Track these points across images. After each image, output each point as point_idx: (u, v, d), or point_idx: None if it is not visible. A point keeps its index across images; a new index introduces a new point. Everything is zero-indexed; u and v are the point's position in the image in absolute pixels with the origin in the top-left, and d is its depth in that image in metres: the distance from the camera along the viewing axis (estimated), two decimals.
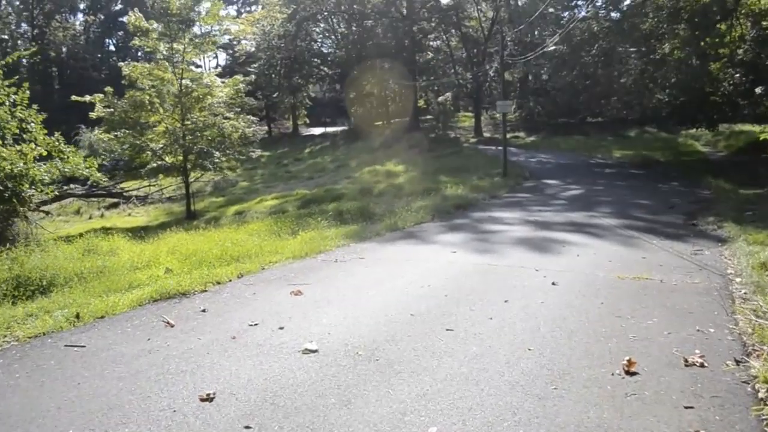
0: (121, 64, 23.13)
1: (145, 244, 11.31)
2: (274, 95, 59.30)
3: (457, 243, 9.51)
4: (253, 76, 25.72)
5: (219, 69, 64.90)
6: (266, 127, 64.73)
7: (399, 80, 44.36)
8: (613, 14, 25.11)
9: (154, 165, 22.45)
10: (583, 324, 5.04)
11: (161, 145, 21.45)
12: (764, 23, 23.18)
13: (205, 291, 6.69)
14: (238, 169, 38.64)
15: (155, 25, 21.72)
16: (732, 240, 9.28)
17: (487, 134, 41.97)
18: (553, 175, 22.04)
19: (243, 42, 57.51)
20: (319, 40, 56.61)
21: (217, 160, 21.86)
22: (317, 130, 58.27)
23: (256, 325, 5.24)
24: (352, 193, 20.29)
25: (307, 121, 66.25)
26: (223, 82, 22.30)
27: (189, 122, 21.54)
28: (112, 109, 21.44)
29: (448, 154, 30.31)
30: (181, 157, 21.77)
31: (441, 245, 9.35)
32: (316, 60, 54.73)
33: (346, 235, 10.92)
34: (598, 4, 26.39)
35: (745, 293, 6.22)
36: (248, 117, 22.62)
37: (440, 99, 45.13)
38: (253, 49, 56.45)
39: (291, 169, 35.83)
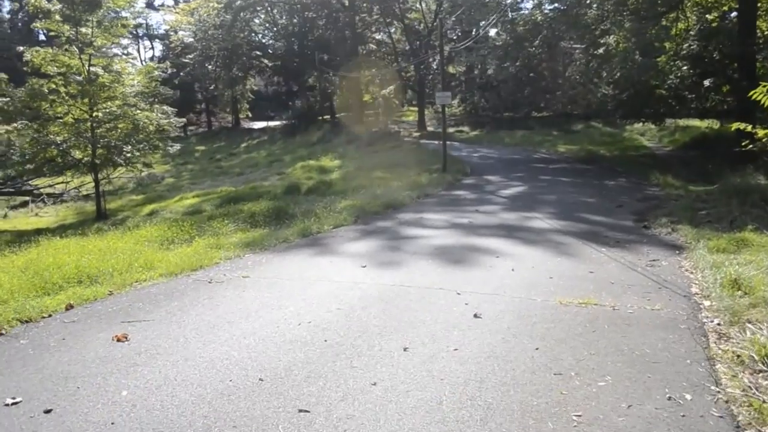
0: (21, 48, 20.58)
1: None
2: (211, 87, 56.65)
3: (371, 254, 7.88)
4: (167, 66, 23.24)
5: (156, 60, 62.48)
6: (205, 120, 62.20)
7: (340, 73, 42.49)
8: (557, 4, 23.89)
9: (60, 161, 20.06)
10: (507, 392, 3.45)
11: (64, 139, 19.05)
12: (709, 16, 22.50)
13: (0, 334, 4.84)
14: (167, 164, 36.55)
15: (58, 5, 19.29)
16: (690, 247, 7.94)
17: (431, 128, 40.55)
18: (495, 171, 20.70)
19: (180, 33, 54.42)
20: (260, 31, 54.05)
21: (129, 155, 19.62)
22: (259, 124, 56.16)
23: (16, 404, 3.45)
24: (277, 191, 18.47)
25: (249, 115, 63.84)
26: (134, 70, 20.02)
27: (99, 113, 19.24)
28: (7, 98, 18.97)
29: (387, 149, 28.72)
30: (90, 152, 19.44)
31: (351, 257, 7.68)
32: (256, 52, 52.25)
33: (247, 243, 9.19)
34: None
35: (719, 325, 4.78)
36: (164, 108, 20.40)
37: (383, 92, 43.50)
38: (191, 39, 53.52)
39: (223, 164, 33.69)
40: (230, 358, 4.11)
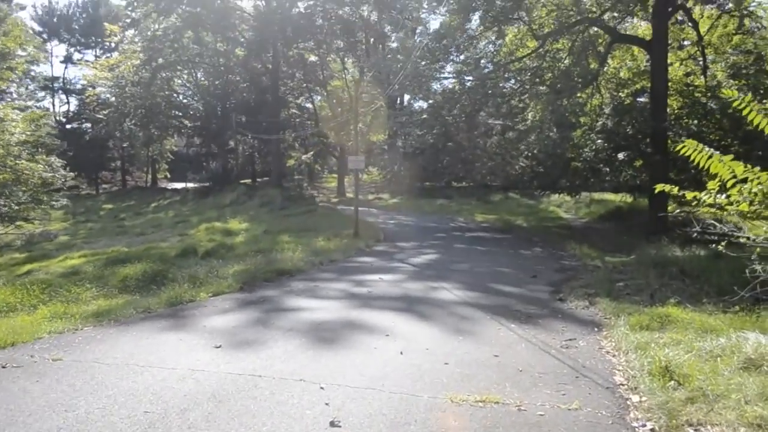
0: None
1: None
2: (125, 145, 54.16)
3: (235, 330, 6.41)
4: (57, 115, 21.43)
5: (70, 114, 59.37)
6: (118, 178, 59.10)
7: (260, 136, 41.36)
8: (475, 74, 23.85)
9: None
10: None
11: None
12: (622, 94, 23.02)
13: None
14: (66, 221, 33.67)
15: None
16: (610, 323, 6.95)
17: (350, 195, 39.61)
18: (410, 238, 19.69)
19: (99, 89, 51.91)
20: (180, 91, 52.43)
21: (5, 209, 17.42)
22: (178, 185, 53.90)
23: None
24: (171, 254, 16.65)
25: (168, 176, 61.38)
26: (18, 117, 18.10)
27: None
28: None
29: (300, 213, 27.40)
30: None
31: (209, 334, 6.18)
32: (176, 112, 50.49)
33: (99, 312, 7.59)
34: (459, 64, 25.21)
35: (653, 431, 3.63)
36: (50, 159, 18.44)
37: (303, 158, 42.58)
38: (107, 95, 51.19)
39: (126, 223, 31.29)
40: None
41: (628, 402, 4.18)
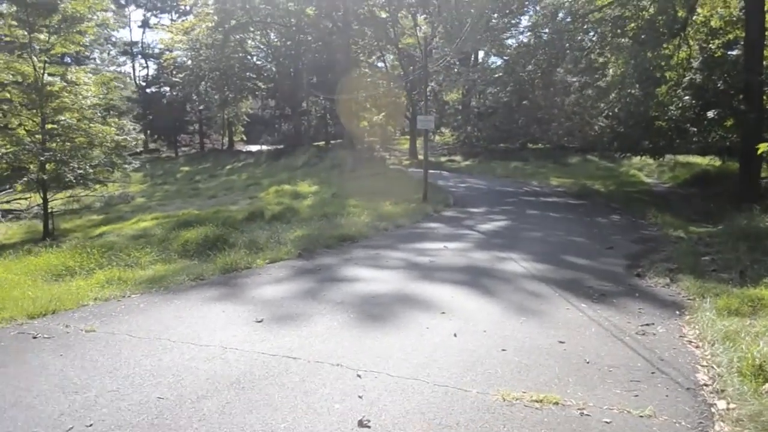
0: None
1: None
2: (201, 108, 55.33)
3: (282, 302, 6.14)
4: (130, 79, 21.79)
5: (149, 78, 61.26)
6: (197, 142, 60.81)
7: (332, 96, 41.11)
8: (550, 27, 22.44)
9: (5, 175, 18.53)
10: None
11: (7, 151, 17.44)
12: (712, 45, 21.09)
13: None
14: (144, 183, 34.86)
15: (12, 8, 17.90)
16: (693, 306, 6.24)
17: (422, 157, 39.05)
18: (480, 203, 19.02)
19: (175, 52, 53.05)
20: (254, 53, 52.74)
21: (81, 171, 17.96)
22: (254, 147, 54.83)
23: None
24: (238, 217, 16.79)
25: (244, 138, 62.56)
26: (90, 80, 18.47)
27: (52, 125, 17.68)
28: None
29: (369, 176, 27.09)
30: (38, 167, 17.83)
31: (254, 306, 5.94)
32: (250, 74, 50.95)
33: (153, 279, 7.55)
34: (536, 16, 23.80)
35: None
36: (122, 122, 18.82)
37: (375, 119, 42.10)
38: (183, 59, 52.27)
39: (200, 186, 32.08)
40: None
41: (713, 410, 3.58)
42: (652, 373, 4.19)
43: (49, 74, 18.28)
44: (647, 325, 5.50)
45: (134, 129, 19.12)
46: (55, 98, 17.33)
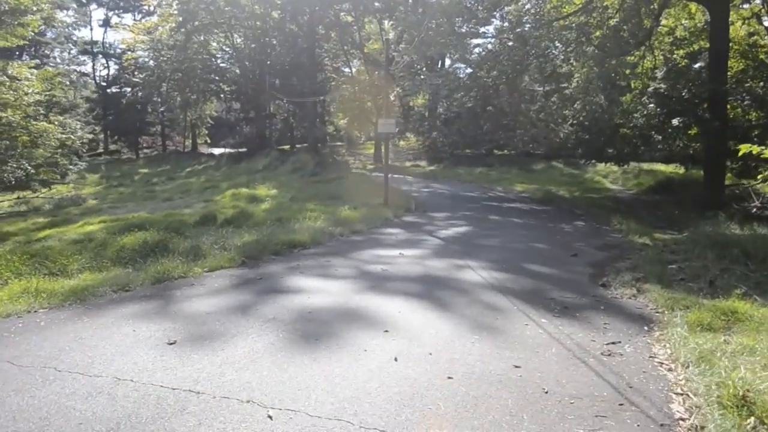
0: None
1: None
2: (162, 109, 53.88)
3: (204, 319, 5.40)
4: (76, 74, 20.74)
5: (110, 78, 59.48)
6: (157, 143, 59.17)
7: (294, 100, 40.31)
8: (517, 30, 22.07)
9: None
10: None
11: None
12: (676, 56, 21.01)
13: None
14: (99, 186, 33.52)
15: None
16: (662, 320, 5.72)
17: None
18: (443, 208, 18.47)
19: (138, 52, 51.49)
20: (217, 54, 51.56)
21: (21, 171, 16.88)
22: (217, 150, 53.66)
23: None
24: (189, 221, 15.89)
25: (208, 141, 61.28)
26: (33, 75, 17.40)
27: None
28: None
29: (331, 180, 26.38)
30: None
31: (171, 324, 5.18)
32: (213, 75, 49.82)
33: (73, 290, 6.74)
34: (499, 21, 23.46)
35: None
36: (68, 120, 17.78)
37: (340, 123, 41.43)
38: (147, 59, 50.87)
39: (156, 188, 30.90)
40: None
41: None
42: (620, 405, 3.60)
43: None
44: (613, 343, 4.94)
45: (81, 128, 18.00)
46: None
